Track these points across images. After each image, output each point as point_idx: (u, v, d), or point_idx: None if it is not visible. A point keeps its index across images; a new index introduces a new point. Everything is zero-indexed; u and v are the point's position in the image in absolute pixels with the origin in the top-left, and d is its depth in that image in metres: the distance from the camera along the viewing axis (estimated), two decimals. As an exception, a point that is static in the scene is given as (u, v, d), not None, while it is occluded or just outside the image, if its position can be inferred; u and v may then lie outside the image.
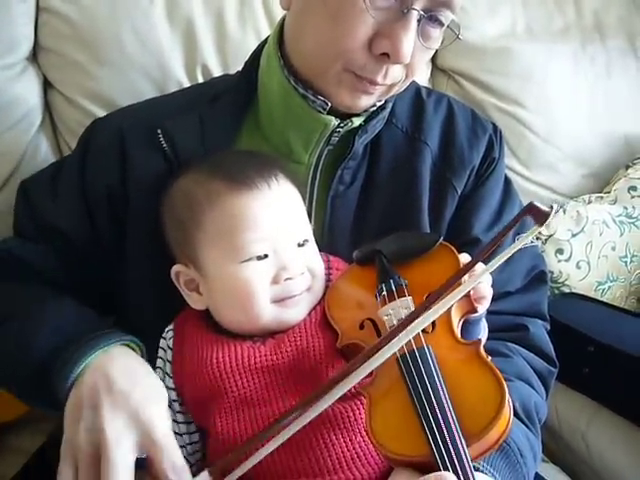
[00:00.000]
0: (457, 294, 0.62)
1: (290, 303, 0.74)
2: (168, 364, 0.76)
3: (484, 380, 0.59)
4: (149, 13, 1.16)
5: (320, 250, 0.82)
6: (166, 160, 0.85)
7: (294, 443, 0.64)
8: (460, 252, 0.74)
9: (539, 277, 0.97)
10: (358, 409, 0.67)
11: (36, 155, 1.15)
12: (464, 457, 0.55)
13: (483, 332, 0.77)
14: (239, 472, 0.62)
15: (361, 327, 0.70)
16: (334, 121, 0.82)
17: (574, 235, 1.42)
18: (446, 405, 0.57)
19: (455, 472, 0.54)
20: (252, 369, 0.70)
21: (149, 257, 0.83)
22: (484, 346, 0.64)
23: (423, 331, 0.64)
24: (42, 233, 0.88)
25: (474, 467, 0.56)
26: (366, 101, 0.81)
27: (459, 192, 0.91)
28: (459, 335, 0.66)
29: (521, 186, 1.42)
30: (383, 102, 0.86)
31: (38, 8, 1.14)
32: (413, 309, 0.66)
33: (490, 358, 0.62)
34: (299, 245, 0.76)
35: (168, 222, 0.80)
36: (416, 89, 0.96)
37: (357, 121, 0.84)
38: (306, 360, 0.71)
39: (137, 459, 0.64)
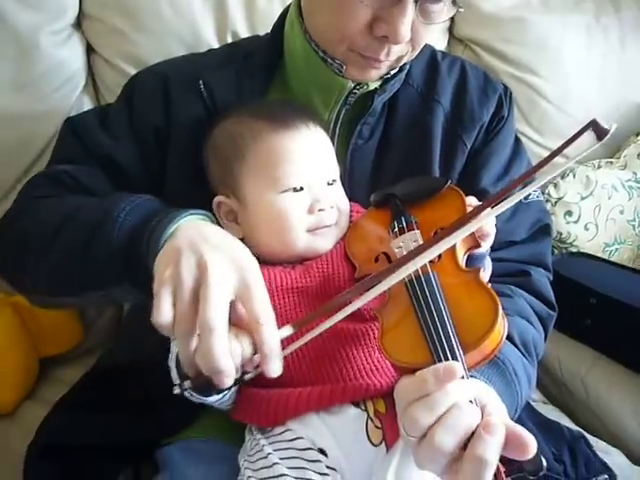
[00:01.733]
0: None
1: (321, 233, 0.82)
2: None
3: (481, 299, 0.66)
4: (184, -16, 1.23)
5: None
6: (205, 108, 0.92)
7: (320, 355, 0.73)
8: (467, 197, 0.80)
9: (544, 229, 1.03)
10: (378, 330, 0.74)
11: (80, 114, 1.24)
12: (460, 362, 0.62)
13: (486, 270, 0.84)
14: (317, 331, 0.66)
15: (376, 260, 0.78)
16: (350, 84, 0.90)
17: (583, 198, 1.47)
18: (447, 321, 0.65)
19: None
20: (284, 289, 0.78)
21: (185, 194, 0.87)
22: None
23: (430, 261, 0.71)
24: (97, 161, 0.91)
25: (470, 376, 0.64)
26: (376, 74, 0.89)
27: (469, 147, 0.98)
28: (463, 265, 0.73)
29: (533, 151, 1.47)
30: (397, 69, 0.93)
31: (83, -22, 1.22)
32: (421, 242, 0.74)
33: (490, 285, 0.70)
34: (329, 184, 0.85)
35: (211, 159, 0.87)
36: (431, 52, 1.03)
37: (372, 85, 0.92)
38: (331, 284, 0.79)
39: None
